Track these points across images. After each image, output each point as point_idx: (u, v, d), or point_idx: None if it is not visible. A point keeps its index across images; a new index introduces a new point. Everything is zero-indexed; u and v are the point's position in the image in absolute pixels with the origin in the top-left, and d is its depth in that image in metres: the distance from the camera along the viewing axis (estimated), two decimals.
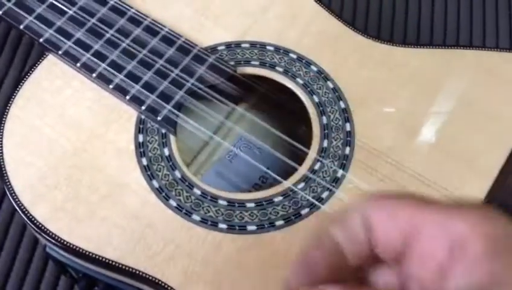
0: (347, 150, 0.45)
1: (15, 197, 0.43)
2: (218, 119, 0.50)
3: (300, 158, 0.46)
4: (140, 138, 0.46)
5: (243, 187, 0.49)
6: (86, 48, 0.49)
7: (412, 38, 0.65)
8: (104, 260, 0.41)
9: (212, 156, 0.52)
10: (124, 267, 0.41)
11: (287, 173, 0.45)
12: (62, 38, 0.49)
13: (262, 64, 0.50)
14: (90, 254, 0.42)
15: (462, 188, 0.44)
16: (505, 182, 0.44)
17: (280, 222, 0.43)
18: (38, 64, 0.49)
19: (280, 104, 0.49)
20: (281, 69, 0.49)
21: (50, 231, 0.42)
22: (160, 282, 0.40)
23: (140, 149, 0.45)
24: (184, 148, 0.46)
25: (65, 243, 0.42)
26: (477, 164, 0.45)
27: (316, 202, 0.43)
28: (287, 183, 0.44)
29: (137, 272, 0.41)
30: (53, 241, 0.42)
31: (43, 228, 0.43)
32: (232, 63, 0.49)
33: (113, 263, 0.41)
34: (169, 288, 0.40)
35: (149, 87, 0.47)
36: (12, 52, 0.63)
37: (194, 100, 0.47)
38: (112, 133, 0.46)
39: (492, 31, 0.66)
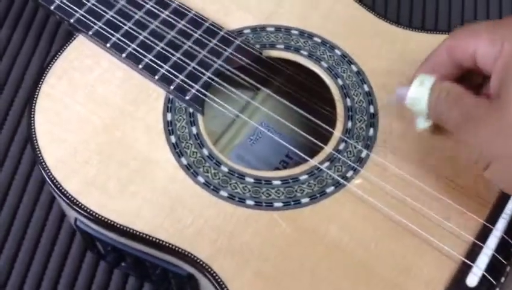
0: (371, 131, 0.46)
1: (48, 171, 0.45)
2: (243, 100, 0.51)
3: (324, 139, 0.47)
4: (169, 116, 0.47)
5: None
6: (116, 28, 0.50)
7: (430, 24, 0.66)
8: (134, 232, 0.43)
9: (234, 139, 0.53)
10: (153, 239, 0.42)
11: (311, 153, 0.46)
12: (92, 19, 0.50)
13: (287, 48, 0.51)
14: (121, 227, 0.43)
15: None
16: None
17: (306, 200, 0.44)
18: (69, 44, 0.50)
19: (305, 86, 0.50)
20: (305, 53, 0.50)
21: (82, 204, 0.44)
22: (189, 254, 0.42)
23: (169, 127, 0.47)
24: (207, 131, 0.47)
25: (97, 215, 0.43)
26: None
27: (342, 180, 0.44)
28: (313, 162, 0.45)
29: (167, 244, 0.42)
30: (85, 214, 0.43)
31: (75, 201, 0.44)
32: (257, 46, 0.50)
33: (143, 235, 0.42)
34: (197, 260, 0.41)
35: (177, 67, 0.48)
36: (39, 33, 0.64)
37: (221, 81, 0.48)
38: (141, 112, 0.47)
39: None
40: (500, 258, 0.40)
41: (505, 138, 0.36)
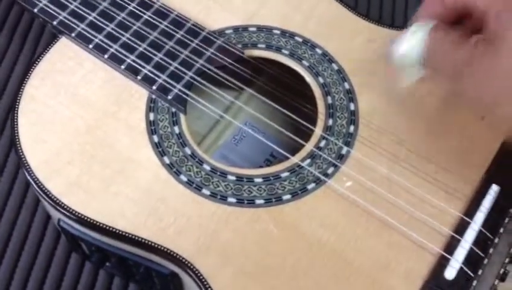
0: (351, 128, 0.47)
1: (31, 172, 0.45)
2: (227, 100, 0.52)
3: (306, 137, 0.47)
4: (151, 116, 0.47)
5: None
6: (98, 30, 0.50)
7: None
8: (117, 231, 0.43)
9: (218, 139, 0.54)
10: (136, 238, 0.43)
11: (295, 152, 0.47)
12: (75, 21, 0.50)
13: (269, 47, 0.51)
14: (104, 226, 0.43)
15: (461, 169, 0.45)
16: None
17: (287, 196, 0.44)
18: (52, 46, 0.51)
19: (287, 85, 0.51)
20: (287, 52, 0.51)
21: (65, 205, 0.44)
22: (171, 252, 0.42)
23: (152, 127, 0.47)
24: (191, 132, 0.48)
25: (79, 215, 0.43)
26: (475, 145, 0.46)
27: (322, 177, 0.44)
28: (294, 159, 0.45)
29: (149, 243, 0.42)
30: (68, 214, 0.44)
31: (58, 201, 0.44)
32: (239, 45, 0.51)
33: (126, 235, 0.43)
34: (180, 258, 0.42)
35: (160, 67, 0.49)
36: (23, 37, 0.65)
37: (204, 81, 0.49)
38: (123, 112, 0.48)
39: None
40: (477, 250, 0.41)
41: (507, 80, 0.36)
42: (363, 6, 0.67)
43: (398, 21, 0.67)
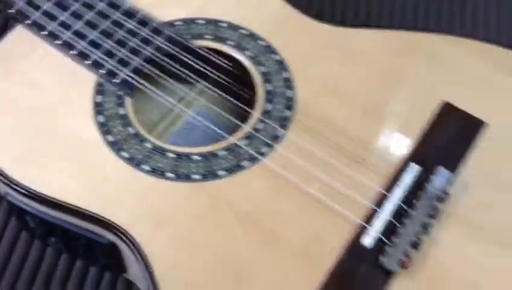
0: (287, 113, 0.50)
1: None
2: (180, 90, 0.54)
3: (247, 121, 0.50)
4: (98, 98, 0.50)
5: None
6: (52, 18, 0.53)
7: (364, 18, 0.70)
8: (60, 203, 0.45)
9: (169, 127, 0.56)
10: (78, 209, 0.45)
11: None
12: (31, 10, 0.53)
13: (216, 39, 0.54)
14: (49, 199, 0.45)
15: (386, 149, 0.48)
16: None
17: (222, 173, 0.47)
18: (7, 33, 0.53)
19: (232, 75, 0.54)
20: (232, 43, 0.54)
21: (12, 179, 0.46)
22: (109, 221, 0.44)
23: (97, 108, 0.49)
24: (144, 120, 0.50)
25: (26, 189, 0.46)
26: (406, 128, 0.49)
27: (257, 155, 0.47)
28: (232, 139, 0.48)
29: (90, 213, 0.45)
30: (15, 187, 0.46)
31: (5, 175, 0.46)
32: (187, 36, 0.54)
33: (68, 205, 0.45)
34: (117, 227, 0.44)
35: (109, 54, 0.51)
36: None
37: (152, 68, 0.51)
38: (72, 94, 0.50)
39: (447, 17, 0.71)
40: (394, 221, 0.43)
41: None
42: (316, 3, 0.71)
43: (348, 20, 0.71)
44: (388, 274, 0.42)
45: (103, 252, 0.48)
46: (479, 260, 0.43)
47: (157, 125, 0.56)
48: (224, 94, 0.52)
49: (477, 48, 0.54)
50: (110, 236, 0.45)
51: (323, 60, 0.53)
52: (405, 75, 0.52)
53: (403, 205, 0.44)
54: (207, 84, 0.53)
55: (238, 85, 0.53)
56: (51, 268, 0.54)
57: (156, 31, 0.53)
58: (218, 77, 0.53)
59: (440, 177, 0.45)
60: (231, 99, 0.51)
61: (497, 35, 0.70)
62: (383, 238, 0.43)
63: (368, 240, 0.43)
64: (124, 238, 0.44)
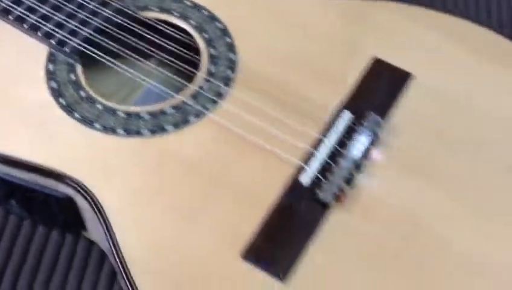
0: (230, 73, 0.53)
1: None
2: (130, 58, 0.57)
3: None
4: (51, 67, 0.53)
5: None
6: None
7: None
8: (17, 160, 0.48)
9: (126, 98, 0.59)
10: (36, 165, 0.48)
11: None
12: None
13: (161, 10, 0.58)
14: (7, 157, 0.48)
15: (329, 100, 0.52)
16: None
17: (170, 127, 0.50)
18: None
19: (179, 42, 0.57)
20: (177, 14, 0.57)
21: None
22: (66, 175, 0.47)
23: (50, 75, 0.52)
24: (102, 90, 0.53)
25: None
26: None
27: (203, 109, 0.51)
28: (179, 97, 0.52)
29: (47, 168, 0.48)
30: None
31: None
32: (134, 8, 0.57)
33: (26, 162, 0.48)
34: (74, 179, 0.47)
35: (59, 25, 0.55)
36: None
37: (104, 38, 0.54)
38: (26, 64, 0.53)
39: None
40: (329, 161, 0.48)
41: None
42: None
43: None
44: (324, 207, 0.46)
45: (61, 208, 0.50)
46: (410, 192, 0.47)
47: (116, 94, 0.59)
48: (172, 59, 0.55)
49: (420, 13, 0.58)
50: (67, 190, 0.48)
51: (262, 25, 0.57)
52: (339, 37, 0.56)
53: (338, 147, 0.48)
54: (158, 52, 0.57)
55: (185, 51, 0.56)
56: (14, 233, 0.57)
57: (104, 3, 0.57)
58: (167, 44, 0.57)
59: (371, 121, 0.49)
60: (177, 62, 0.55)
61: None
62: (319, 176, 0.47)
63: (305, 179, 0.47)
64: (80, 189, 0.47)
